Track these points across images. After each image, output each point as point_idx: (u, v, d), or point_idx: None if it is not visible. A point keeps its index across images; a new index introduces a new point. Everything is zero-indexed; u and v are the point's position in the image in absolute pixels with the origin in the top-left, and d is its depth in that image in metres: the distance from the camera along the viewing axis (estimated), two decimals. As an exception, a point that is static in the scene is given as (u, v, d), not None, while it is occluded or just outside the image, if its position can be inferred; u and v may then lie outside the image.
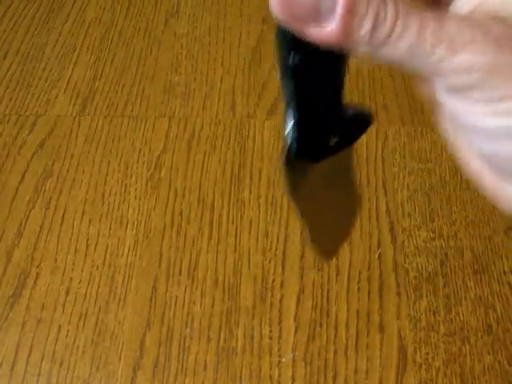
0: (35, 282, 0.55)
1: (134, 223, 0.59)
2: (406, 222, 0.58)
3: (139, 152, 0.64)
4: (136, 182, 0.61)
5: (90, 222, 0.59)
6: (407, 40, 0.19)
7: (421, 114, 0.66)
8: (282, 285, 0.54)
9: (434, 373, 0.49)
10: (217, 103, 0.68)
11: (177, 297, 0.54)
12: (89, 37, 0.76)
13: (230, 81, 0.70)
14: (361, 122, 0.26)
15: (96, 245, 0.57)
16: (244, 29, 0.75)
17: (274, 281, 0.54)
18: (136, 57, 0.73)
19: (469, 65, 0.20)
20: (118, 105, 0.68)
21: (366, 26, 0.19)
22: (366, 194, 0.60)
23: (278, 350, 0.51)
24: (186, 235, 0.57)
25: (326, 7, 0.19)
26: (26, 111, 0.68)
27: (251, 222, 0.58)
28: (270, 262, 0.55)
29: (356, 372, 0.49)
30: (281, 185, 0.60)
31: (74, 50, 0.74)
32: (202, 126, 0.65)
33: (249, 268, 0.55)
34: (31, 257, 0.57)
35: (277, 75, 0.22)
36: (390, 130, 0.65)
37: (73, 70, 0.72)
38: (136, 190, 0.61)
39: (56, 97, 0.69)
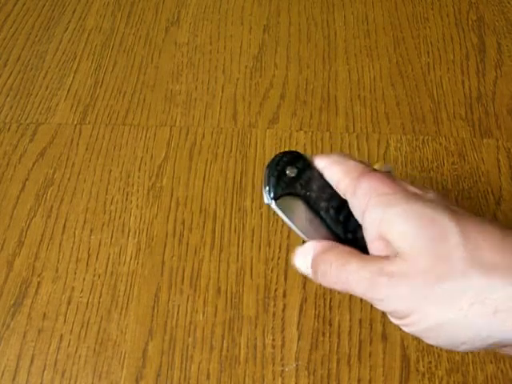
0: (36, 291, 0.55)
1: (135, 232, 0.58)
2: (408, 230, 0.58)
3: (141, 161, 0.64)
4: (138, 190, 0.61)
5: (91, 230, 0.59)
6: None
7: (422, 123, 0.66)
8: (284, 294, 0.54)
9: (437, 382, 0.49)
10: (218, 112, 0.68)
11: (179, 306, 0.54)
12: (89, 45, 0.76)
13: (232, 89, 0.70)
14: None
15: (98, 254, 0.57)
16: (245, 37, 0.76)
17: (276, 290, 0.54)
18: (137, 65, 0.73)
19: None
20: (119, 113, 0.68)
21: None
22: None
23: (281, 359, 0.51)
24: (188, 244, 0.57)
25: None
26: (26, 119, 0.68)
27: (253, 231, 0.58)
28: (272, 272, 0.55)
29: (359, 381, 0.49)
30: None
31: (75, 58, 0.74)
32: (204, 135, 0.65)
33: (251, 277, 0.55)
34: (32, 266, 0.57)
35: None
36: (392, 138, 0.65)
37: (73, 77, 0.72)
38: (138, 198, 0.61)
39: (57, 105, 0.69)
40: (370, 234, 0.32)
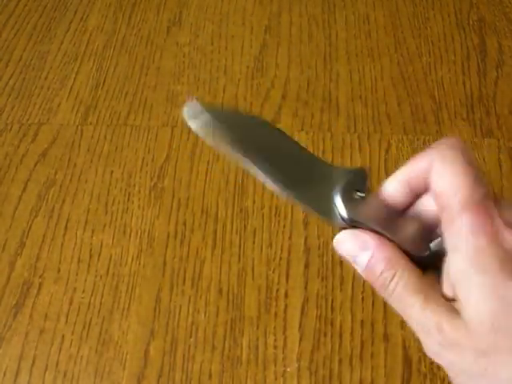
0: (38, 291, 0.55)
1: (137, 232, 0.59)
2: (409, 231, 0.58)
3: (142, 161, 0.64)
4: (139, 191, 0.61)
5: (93, 231, 0.59)
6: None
7: (423, 123, 0.66)
8: (286, 295, 0.54)
9: (438, 383, 0.49)
10: (220, 112, 0.68)
11: (181, 306, 0.54)
12: (91, 45, 0.76)
13: (233, 90, 0.70)
14: None
15: (99, 254, 0.57)
16: (246, 37, 0.76)
17: (278, 291, 0.54)
18: (138, 65, 0.73)
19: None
20: (120, 113, 0.68)
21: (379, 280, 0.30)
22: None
23: (283, 359, 0.51)
24: (189, 245, 0.57)
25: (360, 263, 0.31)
26: (28, 120, 0.68)
27: (255, 231, 0.58)
28: (274, 272, 0.55)
29: (361, 382, 0.49)
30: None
31: (76, 59, 0.74)
32: (205, 136, 0.65)
33: (253, 278, 0.55)
34: (34, 266, 0.57)
35: None
36: (393, 139, 0.65)
37: (75, 78, 0.72)
38: (139, 199, 0.61)
39: (58, 105, 0.69)
40: (448, 273, 0.29)
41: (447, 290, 0.29)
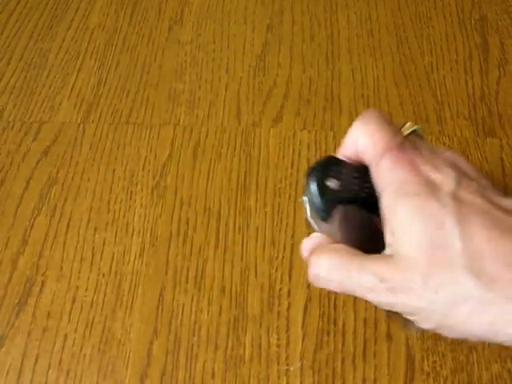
0: (41, 290, 0.55)
1: (139, 231, 0.58)
2: (412, 230, 0.58)
3: (144, 160, 0.64)
4: (141, 189, 0.61)
5: (95, 229, 0.59)
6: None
7: (426, 123, 0.66)
8: (289, 293, 0.54)
9: (441, 381, 0.49)
10: (222, 111, 0.68)
11: (184, 305, 0.54)
12: (92, 43, 0.76)
13: (235, 88, 0.70)
14: None
15: (102, 253, 0.57)
16: (248, 36, 0.76)
17: (281, 289, 0.54)
18: (140, 64, 0.73)
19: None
20: (122, 112, 0.68)
21: None
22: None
23: (286, 358, 0.51)
24: (192, 243, 0.57)
25: None
26: (29, 118, 0.68)
27: (258, 230, 0.58)
28: (276, 271, 0.55)
29: (364, 381, 0.50)
30: (287, 193, 0.60)
31: (78, 57, 0.74)
32: (207, 134, 0.65)
33: (256, 277, 0.55)
34: (36, 265, 0.57)
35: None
36: (396, 138, 0.65)
37: (77, 76, 0.72)
38: (142, 197, 0.61)
39: (60, 103, 0.69)
40: (382, 216, 0.31)
41: (388, 239, 0.30)
